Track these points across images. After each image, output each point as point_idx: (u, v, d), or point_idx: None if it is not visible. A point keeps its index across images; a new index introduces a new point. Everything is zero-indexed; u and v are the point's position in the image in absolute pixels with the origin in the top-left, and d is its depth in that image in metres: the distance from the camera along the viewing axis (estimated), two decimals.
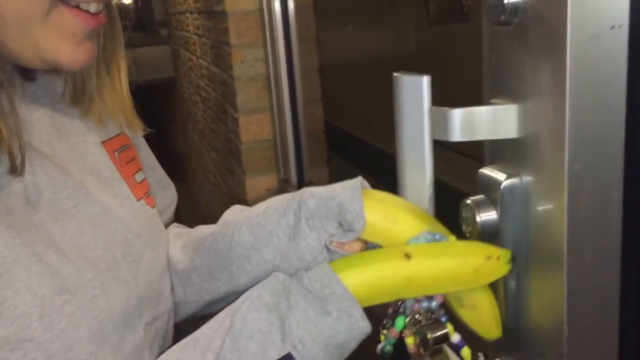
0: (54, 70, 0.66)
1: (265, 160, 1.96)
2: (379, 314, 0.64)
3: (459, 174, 1.02)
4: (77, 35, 0.57)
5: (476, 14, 1.02)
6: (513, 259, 0.59)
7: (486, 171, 0.61)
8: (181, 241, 0.76)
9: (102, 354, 0.58)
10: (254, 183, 1.96)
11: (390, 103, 0.64)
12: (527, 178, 0.57)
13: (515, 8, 0.53)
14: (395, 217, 0.62)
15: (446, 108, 0.59)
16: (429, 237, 0.61)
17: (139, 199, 0.70)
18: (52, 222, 0.57)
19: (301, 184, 1.93)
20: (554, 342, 0.57)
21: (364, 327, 0.59)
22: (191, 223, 0.85)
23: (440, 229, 0.63)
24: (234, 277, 0.69)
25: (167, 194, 0.86)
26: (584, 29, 0.49)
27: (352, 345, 0.60)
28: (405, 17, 1.33)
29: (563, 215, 0.53)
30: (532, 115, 0.56)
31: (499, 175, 0.59)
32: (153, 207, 0.74)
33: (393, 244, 0.62)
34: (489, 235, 0.60)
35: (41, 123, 0.63)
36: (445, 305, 0.64)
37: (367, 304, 0.60)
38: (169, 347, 0.63)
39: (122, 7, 0.72)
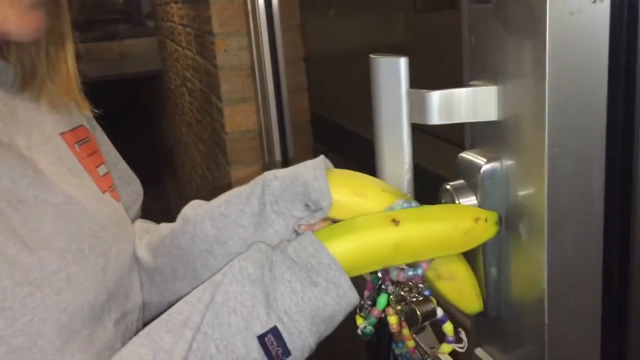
0: (3, 57, 0.64)
1: (251, 151, 1.94)
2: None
3: (439, 160, 1.01)
4: (23, 1, 0.56)
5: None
6: (500, 221, 0.57)
7: (466, 155, 0.60)
8: (146, 238, 0.73)
9: (70, 351, 0.56)
10: (239, 174, 1.94)
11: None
12: (507, 162, 0.56)
13: None
14: (364, 191, 0.60)
15: (424, 90, 0.57)
16: (405, 205, 0.59)
17: (103, 192, 0.68)
18: (12, 212, 0.55)
19: None
20: (535, 329, 0.56)
21: (353, 297, 0.57)
22: None
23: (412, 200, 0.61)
24: (198, 276, 0.66)
25: (132, 190, 0.83)
26: (564, 3, 0.47)
27: (340, 317, 0.57)
28: (393, 5, 1.32)
29: (543, 198, 0.52)
30: (512, 96, 0.54)
31: (479, 160, 0.58)
32: (118, 201, 0.71)
33: None
34: None
35: None
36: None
37: (354, 274, 0.57)
38: None
39: None
